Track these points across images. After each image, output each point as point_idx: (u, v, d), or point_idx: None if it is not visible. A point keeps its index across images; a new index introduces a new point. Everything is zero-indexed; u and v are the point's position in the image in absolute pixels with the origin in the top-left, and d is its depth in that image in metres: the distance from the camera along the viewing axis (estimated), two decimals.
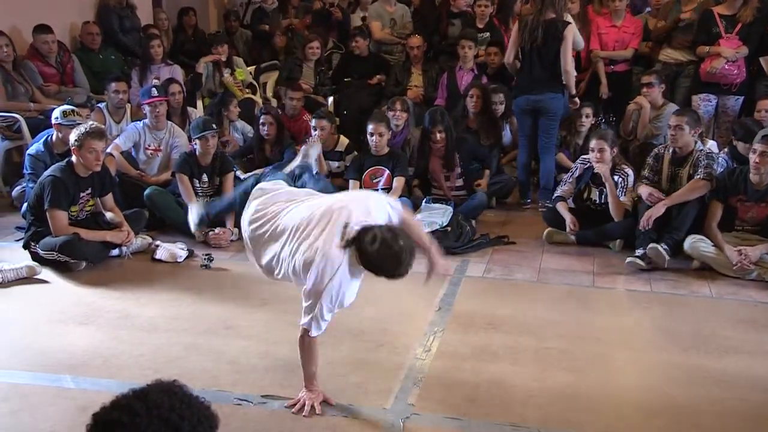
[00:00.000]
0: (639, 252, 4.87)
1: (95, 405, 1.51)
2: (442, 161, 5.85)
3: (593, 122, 6.39)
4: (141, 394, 1.49)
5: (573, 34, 5.86)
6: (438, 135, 5.77)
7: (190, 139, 5.92)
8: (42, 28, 6.78)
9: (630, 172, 5.27)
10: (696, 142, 5.19)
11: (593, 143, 5.28)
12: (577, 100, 6.23)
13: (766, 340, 3.89)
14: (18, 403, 3.18)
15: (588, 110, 6.37)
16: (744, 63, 6.38)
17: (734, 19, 6.35)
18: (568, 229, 5.31)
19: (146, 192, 5.57)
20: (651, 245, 4.80)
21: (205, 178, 5.59)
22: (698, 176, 4.99)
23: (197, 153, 5.55)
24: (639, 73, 6.87)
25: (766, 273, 4.69)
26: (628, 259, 4.85)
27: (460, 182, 5.95)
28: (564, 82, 5.93)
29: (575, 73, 6.05)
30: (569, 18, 6.07)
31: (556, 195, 5.50)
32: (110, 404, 1.48)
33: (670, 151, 5.20)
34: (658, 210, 4.96)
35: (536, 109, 6.03)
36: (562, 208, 5.40)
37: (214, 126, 5.61)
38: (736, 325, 4.07)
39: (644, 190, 5.14)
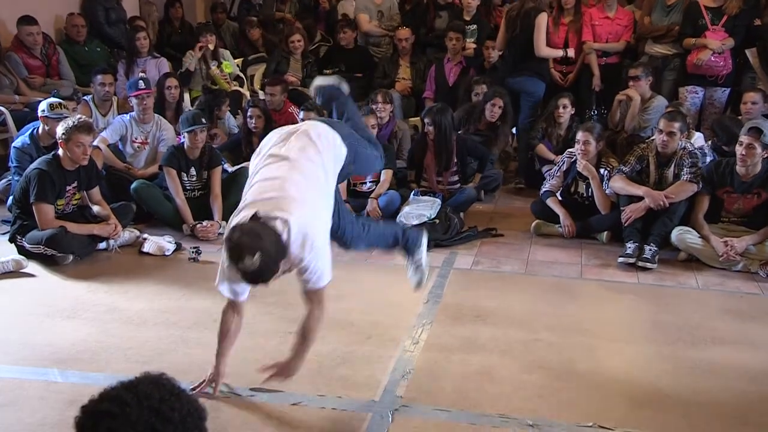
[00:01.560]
0: (629, 248, 4.86)
1: (83, 398, 1.50)
2: (435, 156, 5.85)
3: (573, 112, 6.41)
4: (130, 385, 1.48)
5: (545, 22, 6.35)
6: (426, 128, 5.78)
7: (178, 133, 5.90)
8: (27, 20, 6.71)
9: (616, 164, 5.28)
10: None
11: (579, 135, 5.29)
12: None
13: (752, 330, 3.93)
14: (5, 397, 3.17)
15: (565, 101, 6.37)
16: (730, 55, 6.40)
17: (720, 11, 6.36)
18: (565, 231, 5.33)
19: (133, 186, 5.54)
20: (639, 263, 4.77)
21: (193, 171, 5.56)
22: (685, 177, 4.96)
23: (185, 147, 5.51)
24: (628, 66, 6.88)
25: (751, 264, 4.72)
26: (620, 260, 4.83)
27: (454, 178, 5.94)
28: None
29: (549, 51, 6.56)
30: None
31: (544, 189, 5.50)
32: (99, 396, 1.47)
33: (654, 153, 5.17)
34: (640, 211, 4.97)
35: (517, 91, 6.55)
36: (554, 204, 5.39)
37: (203, 120, 5.56)
38: (722, 316, 4.10)
39: (620, 185, 5.12)
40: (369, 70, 7.68)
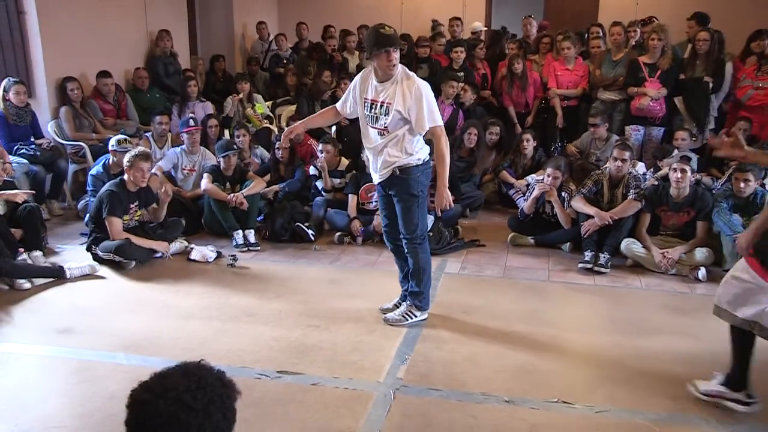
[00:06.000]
0: (587, 256, 4.83)
1: (143, 378, 1.48)
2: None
3: (535, 145, 6.42)
4: (162, 376, 1.48)
5: None
6: None
7: None
8: (103, 73, 6.78)
9: (574, 188, 5.27)
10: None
11: (549, 170, 5.27)
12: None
13: (684, 322, 3.88)
14: (83, 376, 3.15)
15: (528, 136, 6.41)
16: (664, 101, 6.43)
17: (655, 66, 6.39)
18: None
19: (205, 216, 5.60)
20: (596, 268, 4.73)
21: (228, 186, 5.67)
22: (631, 197, 4.98)
23: (221, 167, 5.64)
24: (585, 109, 6.90)
25: (683, 269, 4.70)
26: (579, 265, 4.80)
27: None
28: None
29: None
30: None
31: (521, 209, 5.48)
32: (140, 385, 1.47)
33: (607, 177, 5.17)
34: (595, 226, 4.94)
35: None
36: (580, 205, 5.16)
37: (234, 147, 5.75)
38: (661, 311, 4.06)
39: (579, 204, 5.11)
40: None
